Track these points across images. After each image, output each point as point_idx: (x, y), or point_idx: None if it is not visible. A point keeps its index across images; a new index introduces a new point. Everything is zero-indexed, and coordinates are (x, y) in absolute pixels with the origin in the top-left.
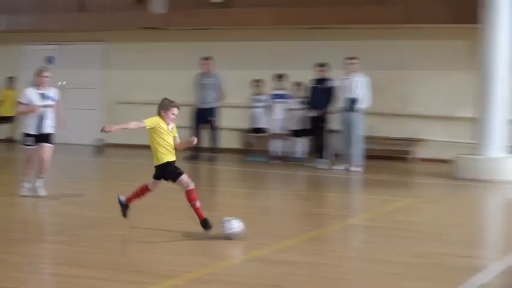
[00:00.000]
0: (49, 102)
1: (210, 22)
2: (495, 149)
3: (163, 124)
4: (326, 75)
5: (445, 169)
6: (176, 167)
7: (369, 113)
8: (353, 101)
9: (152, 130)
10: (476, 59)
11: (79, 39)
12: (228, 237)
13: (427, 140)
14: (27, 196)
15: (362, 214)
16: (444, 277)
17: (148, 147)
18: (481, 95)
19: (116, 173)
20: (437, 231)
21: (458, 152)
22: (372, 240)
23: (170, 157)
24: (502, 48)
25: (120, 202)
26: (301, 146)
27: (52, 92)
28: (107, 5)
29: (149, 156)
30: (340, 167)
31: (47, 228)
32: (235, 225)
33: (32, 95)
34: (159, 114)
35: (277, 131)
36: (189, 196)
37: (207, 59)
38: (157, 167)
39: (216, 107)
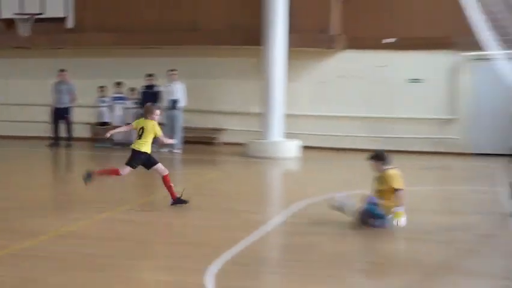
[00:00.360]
0: None
1: (64, 43)
2: (275, 135)
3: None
4: (153, 82)
5: (241, 150)
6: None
7: (186, 110)
8: (174, 102)
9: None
10: (261, 71)
11: None
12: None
13: (228, 129)
14: None
15: (181, 184)
16: (242, 227)
17: None
18: (265, 97)
19: None
20: (236, 195)
21: (250, 137)
22: (189, 203)
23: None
24: (279, 63)
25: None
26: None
27: None
28: None
29: None
30: (165, 150)
31: None
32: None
33: None
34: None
35: (118, 124)
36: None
37: (62, 70)
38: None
39: (70, 107)
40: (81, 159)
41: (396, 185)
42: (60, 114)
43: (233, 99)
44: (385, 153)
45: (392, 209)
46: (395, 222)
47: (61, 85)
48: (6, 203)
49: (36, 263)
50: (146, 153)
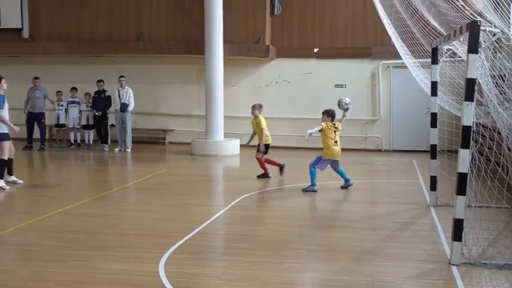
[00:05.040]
0: None
1: (20, 52)
2: (216, 135)
3: None
4: (104, 87)
5: (186, 149)
6: None
7: (134, 113)
8: (124, 105)
9: None
10: (202, 77)
11: None
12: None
13: (174, 130)
14: None
15: (133, 180)
16: (192, 218)
17: None
18: (207, 100)
19: None
20: (184, 189)
21: (194, 137)
22: (140, 197)
23: None
24: (218, 70)
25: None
26: (89, 135)
27: None
28: None
29: None
30: (116, 149)
31: None
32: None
33: None
34: None
35: (73, 126)
36: None
37: (36, 78)
38: None
39: (43, 112)
40: (40, 157)
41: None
42: (34, 119)
43: (178, 103)
44: None
45: None
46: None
47: (35, 91)
48: None
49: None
50: None
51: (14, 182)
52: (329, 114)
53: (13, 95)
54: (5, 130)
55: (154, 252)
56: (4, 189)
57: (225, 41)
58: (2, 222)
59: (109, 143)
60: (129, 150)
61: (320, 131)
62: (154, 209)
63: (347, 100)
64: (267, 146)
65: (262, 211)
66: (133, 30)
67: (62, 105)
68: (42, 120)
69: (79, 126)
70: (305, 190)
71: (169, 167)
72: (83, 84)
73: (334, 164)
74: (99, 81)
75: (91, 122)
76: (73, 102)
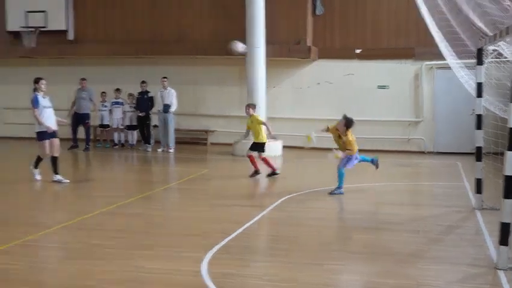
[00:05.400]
0: None
1: (65, 53)
2: None
3: None
4: (147, 89)
5: (227, 149)
6: None
7: (177, 114)
8: (166, 106)
9: None
10: (245, 78)
11: None
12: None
13: (215, 131)
14: None
15: (176, 180)
16: (233, 219)
17: None
18: (249, 101)
19: None
20: (226, 189)
21: (235, 138)
22: (183, 197)
23: None
24: (260, 71)
25: None
26: (132, 135)
27: None
28: None
29: None
30: (159, 150)
31: None
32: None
33: None
34: None
35: (117, 126)
36: None
37: (83, 79)
38: None
39: (89, 113)
40: (85, 156)
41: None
42: (80, 119)
43: (219, 104)
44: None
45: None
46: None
47: (81, 92)
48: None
49: (45, 252)
50: None
51: (59, 181)
52: (346, 121)
53: (58, 96)
54: (42, 129)
55: (196, 252)
56: (62, 182)
57: (267, 42)
58: (49, 221)
59: (152, 144)
60: (172, 150)
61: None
62: (196, 209)
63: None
64: (263, 145)
65: (303, 212)
66: (174, 32)
67: (106, 106)
68: (87, 121)
69: (122, 127)
70: (332, 193)
71: (211, 167)
72: (126, 85)
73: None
74: (142, 82)
75: (134, 123)
76: (117, 103)
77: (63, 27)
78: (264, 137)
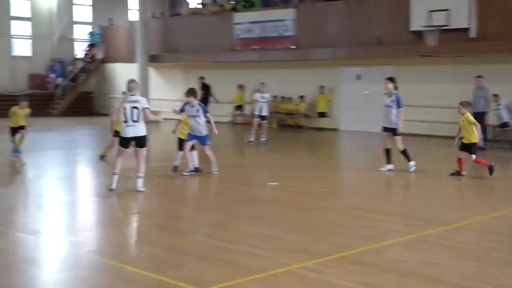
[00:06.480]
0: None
1: (468, 51)
2: None
3: None
4: None
5: None
6: None
7: None
8: None
9: None
10: None
11: (376, 64)
12: None
13: None
14: None
15: None
16: None
17: None
18: None
19: None
20: None
21: None
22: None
23: None
24: None
25: None
26: None
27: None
28: (396, 41)
29: None
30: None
31: None
32: None
33: None
34: None
35: None
36: None
37: (479, 77)
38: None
39: (485, 112)
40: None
41: None
42: (480, 118)
43: None
44: None
45: None
46: None
47: (478, 90)
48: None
49: (436, 249)
50: None
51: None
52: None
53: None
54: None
55: None
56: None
57: None
58: (446, 219)
59: None
60: None
61: None
62: None
63: None
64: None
65: None
66: None
67: (500, 105)
68: (485, 119)
69: None
70: None
71: None
72: None
73: None
74: None
75: None
76: None
77: (465, 25)
78: (475, 137)
